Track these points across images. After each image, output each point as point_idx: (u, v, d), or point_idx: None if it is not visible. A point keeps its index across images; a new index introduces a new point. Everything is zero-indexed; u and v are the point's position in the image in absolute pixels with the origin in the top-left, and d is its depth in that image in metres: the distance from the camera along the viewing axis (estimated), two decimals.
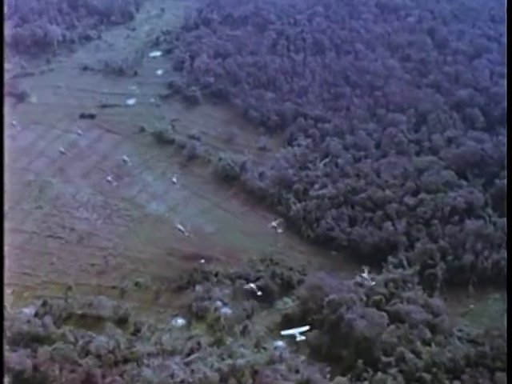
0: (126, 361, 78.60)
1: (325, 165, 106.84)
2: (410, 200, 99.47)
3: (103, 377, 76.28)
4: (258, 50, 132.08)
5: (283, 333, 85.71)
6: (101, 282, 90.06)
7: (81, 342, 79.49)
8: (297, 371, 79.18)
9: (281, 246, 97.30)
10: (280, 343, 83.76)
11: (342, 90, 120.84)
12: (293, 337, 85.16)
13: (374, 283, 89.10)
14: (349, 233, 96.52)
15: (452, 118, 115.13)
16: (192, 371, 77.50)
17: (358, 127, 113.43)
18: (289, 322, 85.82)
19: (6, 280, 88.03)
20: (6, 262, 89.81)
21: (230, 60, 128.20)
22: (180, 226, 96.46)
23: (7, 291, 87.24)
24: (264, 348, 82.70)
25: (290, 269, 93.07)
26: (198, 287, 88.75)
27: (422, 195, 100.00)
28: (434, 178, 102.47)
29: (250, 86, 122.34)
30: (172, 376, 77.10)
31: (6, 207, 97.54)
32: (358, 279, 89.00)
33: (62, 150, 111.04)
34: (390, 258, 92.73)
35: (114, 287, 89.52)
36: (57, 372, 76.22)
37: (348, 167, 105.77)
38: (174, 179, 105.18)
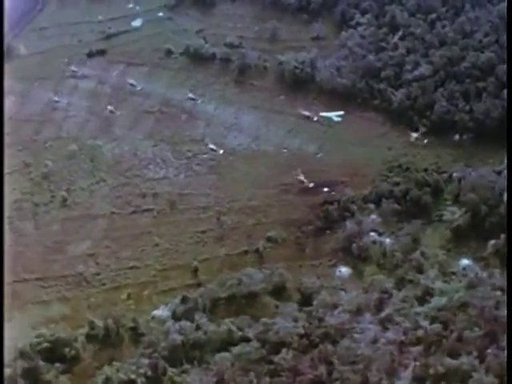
0: (322, 340, 60.27)
1: (401, 39, 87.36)
2: None
3: (313, 369, 58.12)
4: None
5: (321, 114, 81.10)
6: (227, 251, 70.56)
7: (254, 334, 60.56)
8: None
9: (399, 146, 79.47)
10: (466, 261, 67.14)
11: None
12: (329, 119, 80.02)
13: (426, 141, 78.67)
14: (469, 111, 79.27)
15: None
16: (398, 327, 60.11)
17: None
18: (461, 234, 68.89)
19: (111, 283, 68.78)
20: (99, 260, 70.58)
21: None
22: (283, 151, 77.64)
23: (121, 297, 67.31)
24: (453, 273, 65.70)
25: (425, 170, 76.20)
26: (348, 223, 70.05)
27: None
28: None
29: None
30: (376, 341, 59.37)
31: (63, 192, 76.69)
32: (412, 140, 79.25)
33: (88, 102, 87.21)
34: None
35: (246, 252, 70.37)
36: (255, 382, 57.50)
37: (428, 35, 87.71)
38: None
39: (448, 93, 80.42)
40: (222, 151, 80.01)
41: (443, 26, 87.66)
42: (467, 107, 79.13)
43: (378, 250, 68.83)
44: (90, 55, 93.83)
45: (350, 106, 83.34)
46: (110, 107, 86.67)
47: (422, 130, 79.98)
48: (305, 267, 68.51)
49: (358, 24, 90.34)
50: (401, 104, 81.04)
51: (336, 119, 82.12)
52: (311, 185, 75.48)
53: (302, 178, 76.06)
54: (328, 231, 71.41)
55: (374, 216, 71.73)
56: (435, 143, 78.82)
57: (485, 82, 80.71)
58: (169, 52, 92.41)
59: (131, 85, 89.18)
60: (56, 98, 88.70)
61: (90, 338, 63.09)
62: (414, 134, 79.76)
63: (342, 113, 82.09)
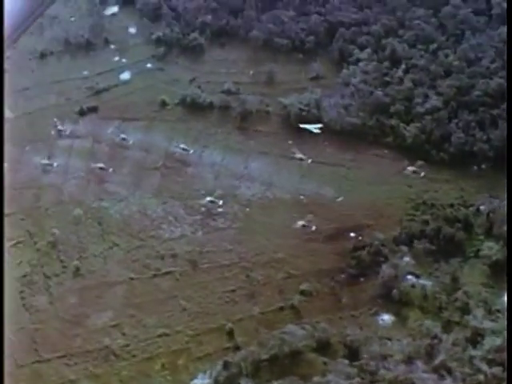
0: None
1: (405, 72, 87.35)
2: None
3: None
4: None
5: (301, 126, 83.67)
6: (261, 309, 69.14)
7: None
8: None
9: (419, 182, 78.71)
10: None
11: None
12: (309, 131, 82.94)
13: (423, 174, 78.36)
14: (487, 140, 79.27)
15: None
16: (456, 373, 59.31)
17: (408, 18, 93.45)
18: (501, 269, 68.28)
19: (142, 354, 66.74)
20: (124, 330, 68.48)
21: None
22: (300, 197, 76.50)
23: (155, 368, 65.28)
24: (498, 311, 65.30)
25: (451, 205, 75.76)
26: (383, 268, 69.13)
27: None
28: None
29: (256, 10, 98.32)
30: None
31: (74, 261, 74.71)
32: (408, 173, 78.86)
33: (86, 163, 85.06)
34: None
35: (281, 308, 68.95)
36: None
37: (432, 66, 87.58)
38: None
39: (463, 123, 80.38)
40: (221, 202, 78.40)
41: (446, 56, 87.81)
42: (484, 136, 79.13)
43: (419, 293, 67.86)
44: (81, 113, 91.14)
45: (362, 145, 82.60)
46: (109, 166, 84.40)
47: (419, 162, 79.73)
48: (345, 319, 67.23)
49: (359, 60, 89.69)
50: (415, 139, 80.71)
51: (316, 131, 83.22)
52: (314, 228, 74.64)
53: (303, 223, 75.22)
54: (362, 278, 70.39)
55: (407, 258, 70.95)
56: (456, 176, 78.50)
57: (498, 109, 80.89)
58: (164, 104, 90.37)
59: (129, 141, 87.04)
60: (51, 161, 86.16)
61: None
62: (410, 168, 79.48)
63: (320, 125, 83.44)
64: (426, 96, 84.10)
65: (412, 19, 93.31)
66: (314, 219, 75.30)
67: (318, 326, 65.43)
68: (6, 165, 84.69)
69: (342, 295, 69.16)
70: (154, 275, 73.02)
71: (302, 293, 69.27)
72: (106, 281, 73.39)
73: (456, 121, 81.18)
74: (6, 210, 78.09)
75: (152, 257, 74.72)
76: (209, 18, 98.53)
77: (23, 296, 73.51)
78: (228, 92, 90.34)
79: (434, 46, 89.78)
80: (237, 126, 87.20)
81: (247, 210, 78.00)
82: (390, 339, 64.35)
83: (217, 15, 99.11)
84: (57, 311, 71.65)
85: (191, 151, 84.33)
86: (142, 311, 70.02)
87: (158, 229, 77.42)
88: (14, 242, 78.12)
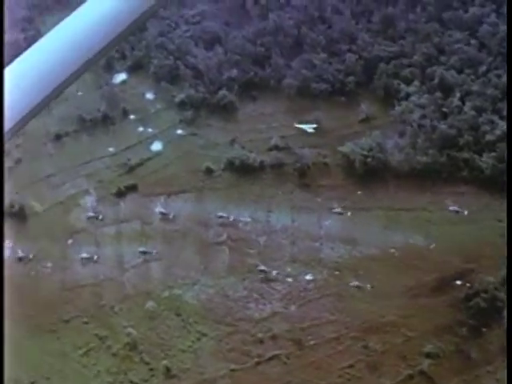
0: None
1: (461, 100, 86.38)
2: None
3: None
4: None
5: (296, 125, 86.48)
6: (389, 380, 67.35)
7: None
8: None
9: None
10: None
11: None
12: (303, 131, 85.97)
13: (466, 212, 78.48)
14: None
15: None
16: None
17: (446, 42, 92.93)
18: None
19: None
20: None
21: (235, 33, 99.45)
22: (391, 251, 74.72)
23: None
24: None
25: None
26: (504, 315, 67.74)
27: None
28: None
29: (283, 57, 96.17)
30: None
31: (162, 361, 71.19)
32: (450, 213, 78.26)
33: (142, 249, 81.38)
34: None
35: (410, 377, 67.11)
36: None
37: (488, 90, 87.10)
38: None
39: None
40: (307, 269, 76.32)
41: (498, 76, 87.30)
42: None
43: None
44: (120, 194, 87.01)
45: (437, 184, 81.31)
46: (167, 248, 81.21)
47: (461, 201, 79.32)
48: (482, 376, 65.59)
49: (408, 94, 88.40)
50: (493, 169, 79.70)
51: (310, 130, 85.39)
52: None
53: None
54: (485, 329, 68.75)
55: None
56: None
57: None
58: (209, 171, 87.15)
59: (181, 217, 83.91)
60: (101, 252, 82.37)
61: None
62: (452, 207, 78.69)
63: (315, 125, 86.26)
64: (492, 122, 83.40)
65: (451, 44, 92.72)
66: (413, 272, 73.42)
67: None
68: (50, 264, 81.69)
69: (469, 351, 67.52)
70: (258, 363, 70.08)
71: (428, 355, 67.42)
72: (205, 378, 70.18)
73: None
74: (65, 316, 75.60)
75: (249, 342, 71.71)
76: (234, 71, 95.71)
77: None
78: (277, 148, 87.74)
79: (483, 68, 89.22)
80: (297, 183, 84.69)
81: (337, 273, 75.62)
82: None
83: (242, 68, 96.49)
84: None
85: (255, 218, 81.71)
86: None
87: (246, 309, 74.47)
88: (83, 350, 74.09)
